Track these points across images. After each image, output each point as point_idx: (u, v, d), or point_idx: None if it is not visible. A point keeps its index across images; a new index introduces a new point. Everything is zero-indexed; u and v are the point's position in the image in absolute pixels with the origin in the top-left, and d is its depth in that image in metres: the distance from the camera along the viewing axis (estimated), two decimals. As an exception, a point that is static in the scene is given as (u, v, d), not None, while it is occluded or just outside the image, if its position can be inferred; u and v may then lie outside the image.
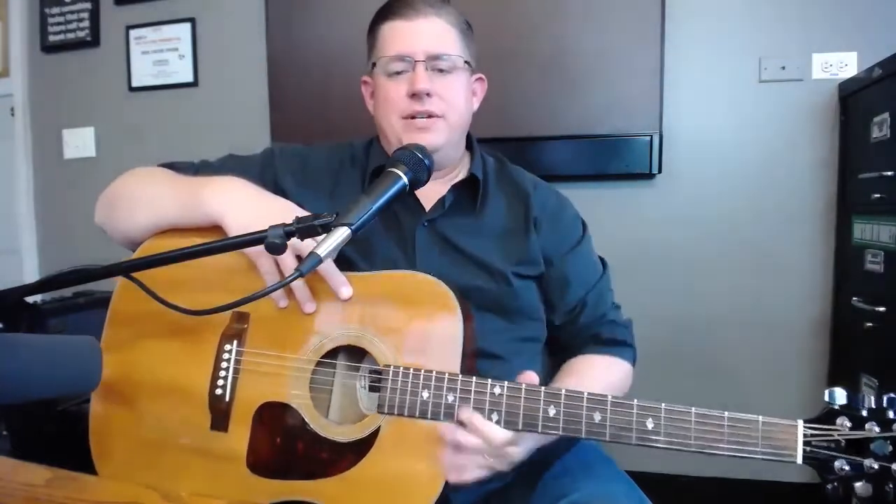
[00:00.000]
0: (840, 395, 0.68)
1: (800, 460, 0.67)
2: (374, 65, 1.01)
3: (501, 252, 0.98)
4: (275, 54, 2.16)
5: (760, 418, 0.69)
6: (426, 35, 0.96)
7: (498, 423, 0.77)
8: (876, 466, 0.64)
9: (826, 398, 0.68)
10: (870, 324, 1.55)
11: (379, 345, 0.83)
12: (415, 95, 0.94)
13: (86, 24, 2.41)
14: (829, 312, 1.88)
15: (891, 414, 0.65)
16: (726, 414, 0.72)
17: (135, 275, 0.75)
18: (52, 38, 2.46)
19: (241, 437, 0.84)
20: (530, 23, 1.93)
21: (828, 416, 0.67)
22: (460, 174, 1.06)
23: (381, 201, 0.75)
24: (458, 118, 0.99)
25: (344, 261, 0.88)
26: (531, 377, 0.79)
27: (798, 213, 1.87)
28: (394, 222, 0.98)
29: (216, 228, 0.86)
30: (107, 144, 2.47)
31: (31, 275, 2.55)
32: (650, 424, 0.74)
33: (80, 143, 2.49)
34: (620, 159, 1.92)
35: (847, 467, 0.66)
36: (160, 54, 2.36)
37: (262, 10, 2.16)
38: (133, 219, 0.94)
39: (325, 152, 1.07)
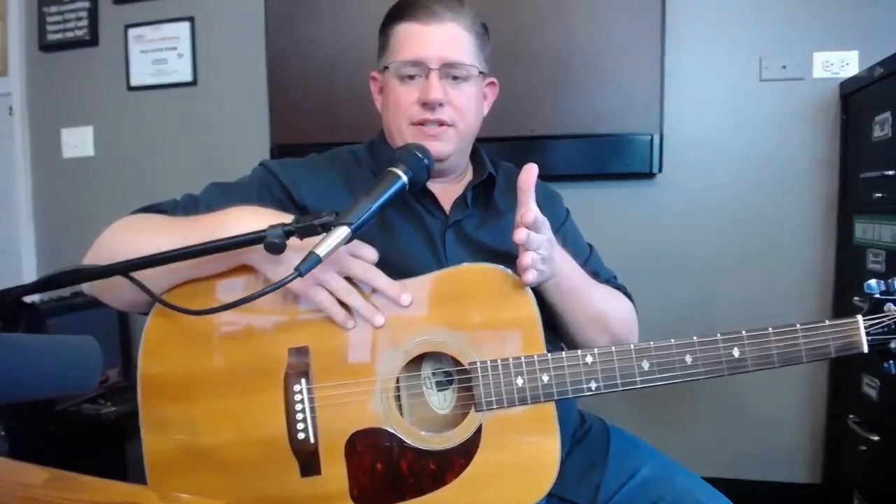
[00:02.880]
0: (877, 285, 0.78)
1: (866, 349, 0.77)
2: (385, 67, 0.99)
3: None
4: (274, 54, 2.16)
5: (827, 322, 0.78)
6: (442, 42, 0.93)
7: (598, 389, 0.80)
8: None
9: (866, 290, 0.78)
10: (871, 323, 1.55)
11: (456, 345, 0.82)
12: (427, 104, 0.93)
13: (84, 23, 2.41)
14: (830, 312, 1.88)
15: None
16: (798, 325, 0.78)
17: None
18: (50, 37, 2.46)
19: (338, 476, 0.81)
20: (530, 23, 1.93)
21: (875, 306, 0.77)
22: (468, 175, 1.07)
23: (381, 200, 0.76)
24: (467, 127, 0.99)
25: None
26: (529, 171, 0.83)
27: (799, 212, 1.87)
28: (420, 226, 0.98)
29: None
30: (105, 144, 2.46)
31: (29, 275, 2.55)
32: (737, 353, 0.78)
33: (78, 142, 2.48)
34: (620, 159, 1.92)
35: None
36: (159, 53, 2.35)
37: (262, 9, 2.16)
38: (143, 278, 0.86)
39: (327, 161, 1.05)
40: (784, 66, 1.85)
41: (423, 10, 0.94)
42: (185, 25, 2.31)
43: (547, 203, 1.04)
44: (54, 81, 2.49)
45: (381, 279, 0.81)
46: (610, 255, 1.15)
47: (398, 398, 0.84)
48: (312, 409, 0.82)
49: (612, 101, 1.92)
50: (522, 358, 0.80)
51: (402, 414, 0.84)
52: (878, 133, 1.57)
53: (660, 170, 1.90)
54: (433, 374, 0.86)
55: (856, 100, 1.74)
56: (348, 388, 0.82)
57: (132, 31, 2.36)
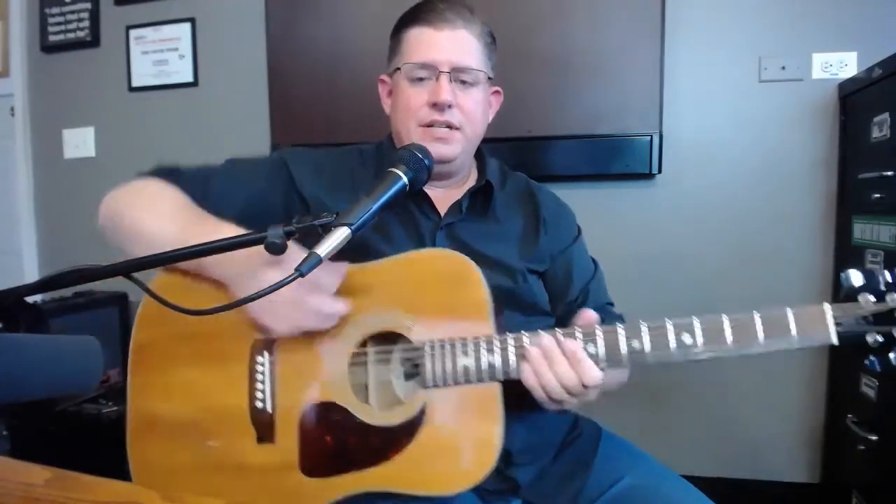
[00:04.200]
0: (856, 276, 0.72)
1: (834, 340, 0.72)
2: (397, 69, 1.01)
3: (516, 251, 1.01)
4: (275, 54, 2.16)
5: (788, 309, 0.73)
6: (452, 47, 0.96)
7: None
8: None
9: (843, 282, 0.73)
10: (870, 324, 1.55)
11: (410, 326, 0.84)
12: (436, 105, 0.95)
13: (86, 24, 2.41)
14: (829, 312, 1.88)
15: None
16: (756, 313, 0.76)
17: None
18: (52, 38, 2.46)
19: (290, 445, 0.84)
20: (530, 23, 1.93)
21: (848, 296, 0.72)
22: (470, 180, 1.08)
23: (382, 201, 0.75)
24: (473, 131, 1.01)
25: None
26: (588, 317, 0.82)
27: (798, 212, 1.87)
28: (412, 227, 1.00)
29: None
30: (107, 144, 2.47)
31: (31, 275, 2.55)
32: (688, 339, 0.78)
33: (80, 142, 2.49)
34: (620, 159, 1.92)
35: (881, 339, 0.71)
36: (160, 54, 2.36)
37: (262, 10, 2.17)
38: (133, 254, 0.88)
39: (336, 156, 1.07)
40: (783, 67, 1.86)
41: (436, 15, 0.97)
42: (186, 26, 2.32)
43: (558, 217, 1.08)
44: (56, 82, 2.50)
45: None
46: (609, 255, 1.16)
47: (359, 375, 0.87)
48: (273, 381, 0.85)
49: (611, 102, 1.92)
50: (469, 339, 0.82)
51: (368, 396, 0.87)
52: (876, 134, 1.57)
53: (659, 170, 1.91)
54: (376, 352, 0.88)
55: (854, 101, 1.74)
56: (307, 363, 0.85)
57: (133, 32, 2.37)
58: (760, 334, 0.75)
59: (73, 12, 2.42)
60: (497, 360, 0.81)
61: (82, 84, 2.47)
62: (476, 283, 0.85)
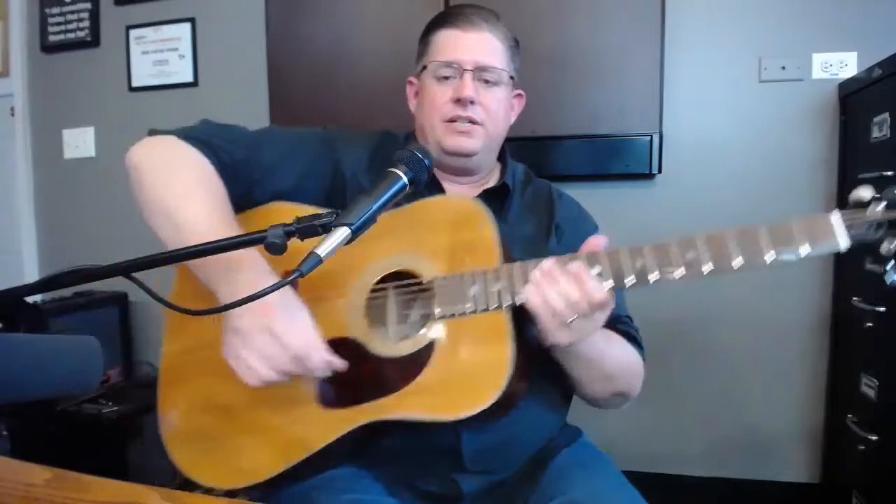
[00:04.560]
0: (865, 191, 0.70)
1: (844, 245, 0.69)
2: (423, 68, 1.05)
3: (523, 255, 1.00)
4: (275, 54, 2.16)
5: (794, 218, 0.71)
6: (477, 47, 1.01)
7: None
8: None
9: (851, 196, 0.70)
10: (870, 324, 1.56)
11: (422, 265, 0.89)
12: (459, 101, 0.99)
13: (86, 24, 2.42)
14: (829, 312, 1.88)
15: None
16: (761, 225, 0.74)
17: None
18: (52, 38, 2.46)
19: (306, 380, 0.87)
20: (530, 23, 1.93)
21: (858, 205, 0.70)
22: (491, 181, 1.10)
23: (381, 201, 0.75)
24: (495, 128, 1.04)
25: None
26: (594, 243, 0.83)
27: (798, 212, 1.86)
28: None
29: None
30: (107, 144, 2.47)
31: (31, 275, 2.55)
32: (691, 255, 0.78)
33: (80, 142, 2.49)
34: (620, 159, 1.92)
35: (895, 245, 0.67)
36: (160, 54, 2.36)
37: (262, 10, 2.16)
38: (156, 233, 0.93)
39: (378, 139, 1.09)
40: (783, 67, 1.86)
41: (462, 19, 1.02)
42: (186, 26, 2.32)
43: (575, 225, 1.08)
44: (56, 82, 2.50)
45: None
46: (609, 255, 1.16)
47: (377, 312, 0.92)
48: None
49: (611, 102, 1.92)
50: (477, 269, 0.85)
51: (387, 332, 0.92)
52: (876, 134, 1.57)
53: (659, 170, 1.91)
54: (391, 289, 0.93)
55: (854, 101, 1.74)
56: (325, 302, 0.90)
57: (133, 32, 2.37)
58: (767, 245, 0.73)
59: (73, 12, 2.42)
60: (503, 285, 0.83)
61: (82, 84, 2.47)
62: (483, 222, 0.89)
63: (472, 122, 1.01)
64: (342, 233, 0.70)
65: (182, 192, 0.89)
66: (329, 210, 0.73)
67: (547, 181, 1.16)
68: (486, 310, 0.84)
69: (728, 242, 0.76)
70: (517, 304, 0.83)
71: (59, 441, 1.91)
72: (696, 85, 1.93)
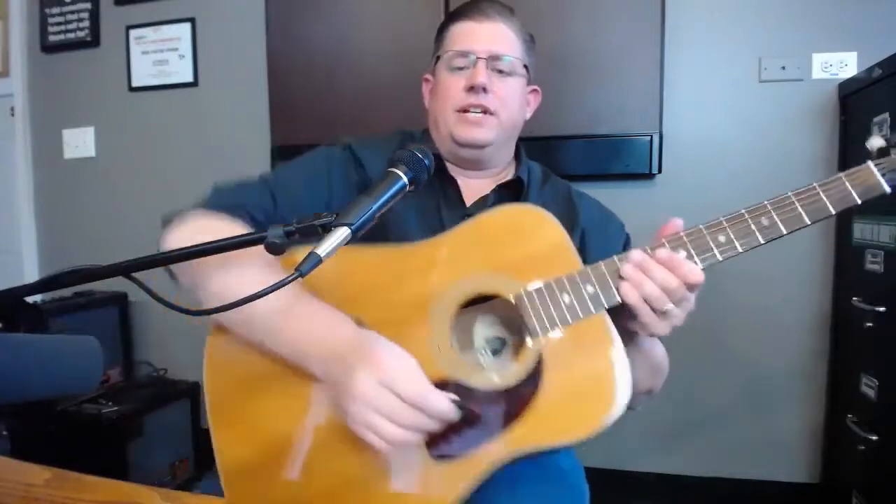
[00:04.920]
0: (877, 140, 0.77)
1: (888, 189, 0.77)
2: (437, 59, 1.05)
3: None
4: (275, 54, 2.16)
5: (842, 174, 0.77)
6: (491, 37, 1.00)
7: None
8: None
9: (868, 146, 0.77)
10: (870, 324, 1.56)
11: (499, 283, 0.83)
12: (472, 89, 0.97)
13: (86, 24, 2.42)
14: (829, 312, 1.88)
15: None
16: (815, 184, 0.79)
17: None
18: (52, 38, 2.47)
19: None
20: (530, 23, 1.91)
21: (882, 152, 0.77)
22: (507, 176, 1.08)
23: (381, 201, 0.74)
24: (509, 118, 1.01)
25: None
26: (672, 226, 0.81)
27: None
28: (434, 214, 1.01)
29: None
30: (107, 144, 2.47)
31: (31, 275, 2.55)
32: (766, 221, 0.80)
33: (80, 142, 2.49)
34: (620, 159, 1.92)
35: None
36: (160, 54, 2.36)
37: (262, 10, 2.17)
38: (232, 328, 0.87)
39: (398, 139, 1.08)
40: (783, 67, 1.86)
41: (477, 11, 1.02)
42: (186, 26, 2.32)
43: (603, 228, 1.05)
44: (56, 82, 2.50)
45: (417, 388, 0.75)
46: (609, 255, 1.16)
47: (466, 344, 0.86)
48: None
49: (611, 102, 1.92)
50: (563, 277, 0.81)
51: (480, 362, 0.86)
52: (876, 134, 1.57)
53: (659, 170, 1.91)
54: (476, 316, 0.87)
55: (854, 101, 1.74)
56: (406, 341, 0.80)
57: (133, 32, 2.37)
58: (826, 201, 0.79)
59: (73, 12, 2.42)
60: (596, 287, 0.80)
61: (82, 84, 2.47)
62: (550, 226, 0.84)
63: (485, 111, 0.98)
64: (342, 233, 0.70)
65: (236, 279, 0.82)
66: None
67: (566, 182, 1.12)
68: (583, 316, 0.80)
69: (793, 203, 0.81)
70: (615, 303, 0.79)
71: (59, 441, 1.91)
72: (696, 85, 1.93)
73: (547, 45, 1.96)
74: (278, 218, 0.91)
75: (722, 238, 0.79)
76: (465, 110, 0.99)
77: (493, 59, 0.98)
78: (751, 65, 1.89)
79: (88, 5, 2.40)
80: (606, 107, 1.92)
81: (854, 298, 1.63)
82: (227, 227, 0.85)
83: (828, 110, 1.84)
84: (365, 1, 2.07)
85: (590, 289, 0.80)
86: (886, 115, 1.50)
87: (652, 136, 1.89)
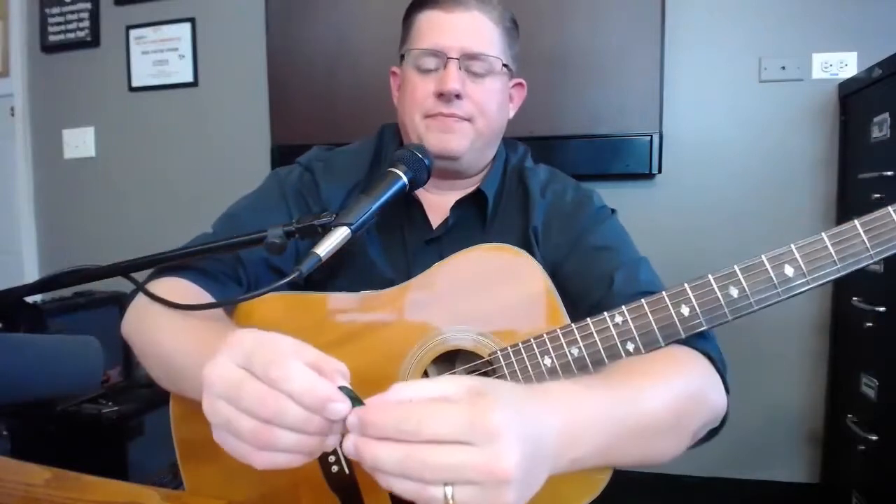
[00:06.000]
0: None
1: None
2: (403, 55, 0.91)
3: None
4: (275, 54, 2.16)
5: (890, 208, 0.65)
6: (464, 31, 0.85)
7: (637, 350, 0.68)
8: None
9: None
10: (870, 324, 1.55)
11: (471, 337, 0.74)
12: (442, 95, 0.85)
13: (86, 24, 2.41)
14: (829, 312, 1.88)
15: None
16: (856, 221, 0.65)
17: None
18: (52, 38, 2.46)
19: (384, 501, 0.72)
20: (530, 23, 1.92)
21: None
22: (468, 188, 0.95)
23: (381, 201, 0.74)
24: (486, 125, 0.89)
25: (335, 277, 0.82)
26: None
27: (798, 213, 1.87)
28: (398, 239, 0.91)
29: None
30: (107, 144, 2.47)
31: (31, 275, 2.55)
32: (790, 271, 0.66)
33: (80, 142, 2.49)
34: (620, 159, 1.92)
35: None
36: (160, 54, 2.36)
37: (262, 10, 2.17)
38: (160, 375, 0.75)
39: (375, 142, 0.98)
40: (783, 67, 1.86)
41: None
42: (186, 26, 2.32)
43: (567, 218, 0.90)
44: (56, 82, 2.50)
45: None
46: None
47: None
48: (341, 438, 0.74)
49: (611, 102, 1.92)
50: (545, 335, 0.71)
51: None
52: (876, 134, 1.57)
53: (659, 170, 1.91)
54: (449, 374, 0.78)
55: (854, 101, 1.74)
56: None
57: (133, 32, 2.37)
58: (865, 239, 0.65)
59: (73, 12, 2.42)
60: (582, 349, 0.70)
61: (82, 84, 2.47)
62: (530, 271, 0.75)
63: (459, 118, 0.86)
64: (342, 233, 0.69)
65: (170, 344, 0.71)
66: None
67: (545, 172, 0.97)
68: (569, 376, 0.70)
69: (822, 251, 0.66)
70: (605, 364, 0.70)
71: (59, 441, 1.91)
72: (696, 85, 1.93)
73: (547, 45, 1.97)
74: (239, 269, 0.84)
75: (734, 291, 0.69)
76: (435, 116, 0.87)
77: (468, 58, 0.85)
78: (751, 65, 1.89)
79: (88, 5, 2.40)
80: (606, 107, 1.92)
81: (854, 298, 1.63)
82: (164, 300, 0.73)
83: (828, 110, 1.84)
84: (365, 1, 2.07)
85: (574, 351, 0.71)
86: (886, 115, 1.50)
87: (652, 136, 1.89)
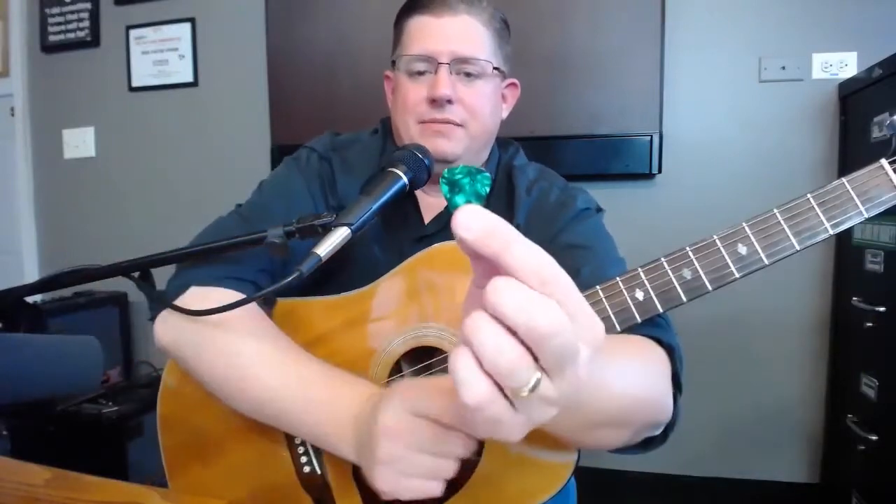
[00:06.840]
0: None
1: None
2: (394, 61, 0.92)
3: None
4: (275, 54, 2.16)
5: (843, 179, 0.62)
6: (454, 35, 0.86)
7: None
8: None
9: (888, 131, 0.64)
10: (870, 324, 1.56)
11: (437, 334, 0.74)
12: (435, 101, 0.85)
13: (86, 24, 2.42)
14: (829, 312, 1.88)
15: None
16: (809, 195, 0.63)
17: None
18: (52, 38, 2.46)
19: (354, 502, 0.74)
20: (530, 24, 1.93)
21: None
22: None
23: (382, 201, 0.74)
24: (479, 128, 0.90)
25: (332, 278, 0.82)
26: None
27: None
28: (394, 237, 0.92)
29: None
30: (107, 144, 2.47)
31: (31, 275, 2.55)
32: (743, 250, 0.65)
33: (80, 142, 2.49)
34: (620, 159, 1.92)
35: None
36: (160, 54, 2.36)
37: (262, 10, 2.17)
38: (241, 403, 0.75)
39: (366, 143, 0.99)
40: (783, 67, 1.86)
41: (437, 2, 0.87)
42: (186, 26, 2.32)
43: (548, 218, 0.90)
44: (56, 82, 2.50)
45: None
46: (609, 255, 1.15)
47: None
48: None
49: (612, 102, 1.92)
50: None
51: None
52: (876, 134, 1.57)
53: (659, 170, 1.91)
54: (412, 371, 0.79)
55: (854, 101, 1.74)
56: None
57: (133, 32, 2.37)
58: (821, 216, 0.62)
59: (73, 12, 2.42)
60: None
61: (82, 84, 2.47)
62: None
63: (452, 123, 0.87)
64: (342, 232, 0.69)
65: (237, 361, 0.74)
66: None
67: (536, 169, 0.98)
68: None
69: (775, 227, 0.64)
70: None
71: (59, 441, 1.91)
72: (696, 85, 1.93)
73: (547, 46, 1.98)
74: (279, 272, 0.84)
75: (687, 274, 0.68)
76: (428, 122, 0.87)
77: (458, 62, 0.86)
78: (751, 65, 1.89)
79: (88, 5, 2.40)
80: (606, 107, 1.92)
81: (854, 298, 1.63)
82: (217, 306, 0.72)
83: (828, 110, 1.84)
84: (365, 1, 2.07)
85: None
86: (886, 115, 1.50)
87: (652, 137, 1.89)
